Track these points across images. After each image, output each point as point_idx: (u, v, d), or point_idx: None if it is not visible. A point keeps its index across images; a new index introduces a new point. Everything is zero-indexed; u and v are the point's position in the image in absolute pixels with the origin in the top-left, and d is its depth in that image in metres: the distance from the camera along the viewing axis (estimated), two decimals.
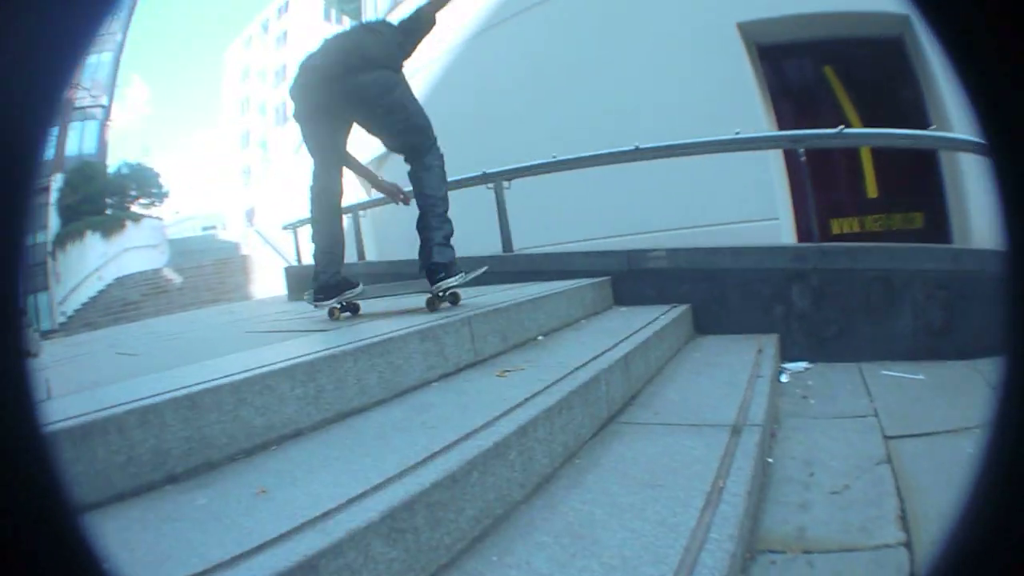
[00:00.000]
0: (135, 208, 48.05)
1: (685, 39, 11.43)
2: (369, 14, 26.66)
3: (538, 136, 13.32)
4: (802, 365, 6.19)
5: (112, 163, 52.91)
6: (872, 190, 10.93)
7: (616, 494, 2.94)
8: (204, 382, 3.16)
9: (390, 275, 10.84)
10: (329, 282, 6.10)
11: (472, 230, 12.96)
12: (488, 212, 10.46)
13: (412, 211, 13.60)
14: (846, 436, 4.24)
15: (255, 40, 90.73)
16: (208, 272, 37.70)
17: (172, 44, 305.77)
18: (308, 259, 17.04)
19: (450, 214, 5.97)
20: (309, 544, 2.09)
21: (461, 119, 15.36)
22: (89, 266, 40.01)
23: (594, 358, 4.41)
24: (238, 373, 3.29)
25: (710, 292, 7.13)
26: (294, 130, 19.69)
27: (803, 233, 10.10)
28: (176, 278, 36.35)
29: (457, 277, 5.48)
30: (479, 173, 9.97)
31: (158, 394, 2.99)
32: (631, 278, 7.54)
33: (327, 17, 71.49)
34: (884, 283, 6.44)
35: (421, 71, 17.43)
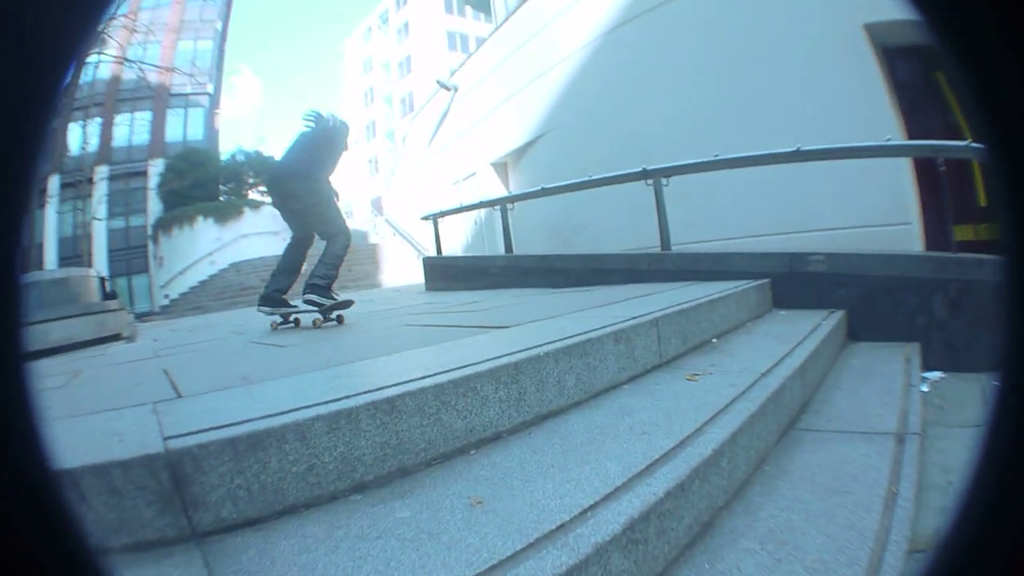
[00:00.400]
0: (253, 195, 47.56)
1: (813, 40, 11.47)
2: (498, 4, 26.96)
3: (676, 130, 13.57)
4: (938, 375, 6.17)
5: (225, 151, 53.36)
6: (984, 198, 10.83)
7: (808, 501, 2.99)
8: (402, 383, 3.07)
9: (541, 269, 11.14)
10: (272, 296, 8.35)
11: (623, 224, 13.24)
12: (635, 208, 10.72)
13: (549, 206, 13.77)
14: (974, 444, 4.34)
15: (375, 31, 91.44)
16: None
17: (283, 37, 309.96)
18: (448, 249, 17.22)
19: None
20: (555, 562, 1.99)
21: (604, 111, 16.14)
22: (200, 251, 40.48)
23: (775, 364, 4.47)
24: (439, 374, 3.21)
25: (863, 299, 7.13)
26: (423, 123, 20.24)
27: (931, 240, 10.03)
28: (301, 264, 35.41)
29: (322, 298, 8.07)
30: (639, 170, 10.08)
31: (348, 396, 2.90)
32: (790, 281, 7.56)
33: (449, 9, 71.94)
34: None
35: (562, 63, 17.98)
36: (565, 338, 3.99)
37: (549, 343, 3.86)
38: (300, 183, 8.11)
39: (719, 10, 13.14)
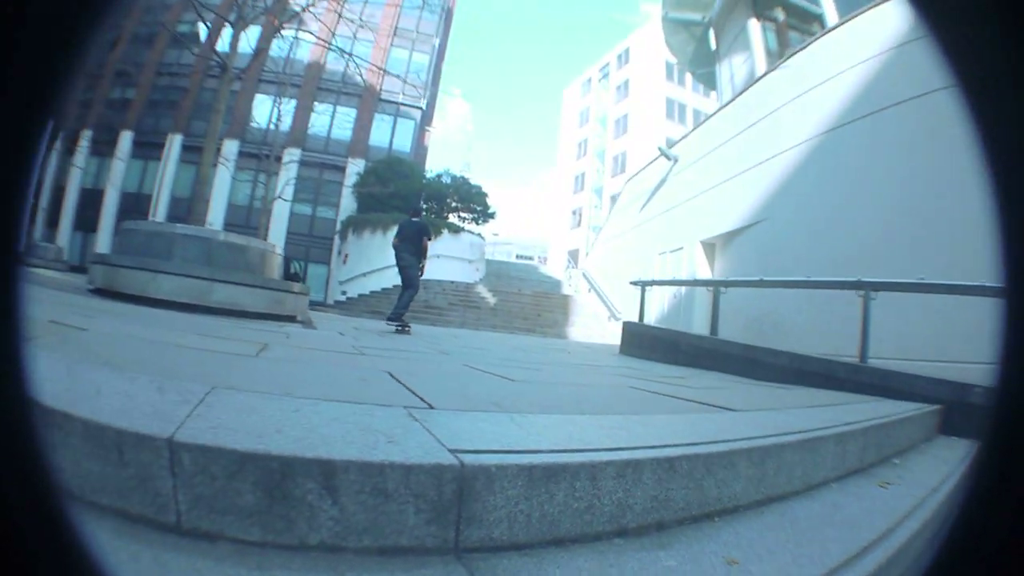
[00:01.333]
0: (453, 219, 47.21)
1: None
2: (724, 82, 28.46)
3: (874, 239, 14.01)
4: None
5: (430, 170, 53.42)
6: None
7: None
8: (681, 445, 3.48)
9: (743, 358, 11.54)
10: (392, 317, 16.12)
11: (816, 327, 14.05)
12: (829, 311, 12.01)
13: (747, 296, 14.80)
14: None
15: (595, 84, 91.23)
16: (526, 301, 36.75)
17: (501, 69, 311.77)
18: (649, 318, 18.26)
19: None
20: None
21: (815, 209, 16.65)
22: (389, 259, 37.88)
23: (942, 482, 4.97)
24: (708, 443, 3.67)
25: None
26: (636, 187, 22.19)
27: None
28: (490, 298, 35.51)
29: (397, 324, 15.80)
30: (853, 279, 10.61)
31: (634, 448, 3.24)
32: (954, 409, 7.69)
33: (670, 77, 71.50)
34: None
35: (781, 155, 18.46)
36: (799, 432, 4.55)
37: (788, 434, 4.38)
38: (407, 255, 16.14)
39: (926, 127, 13.16)
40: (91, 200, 50.84)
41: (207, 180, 20.22)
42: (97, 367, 3.82)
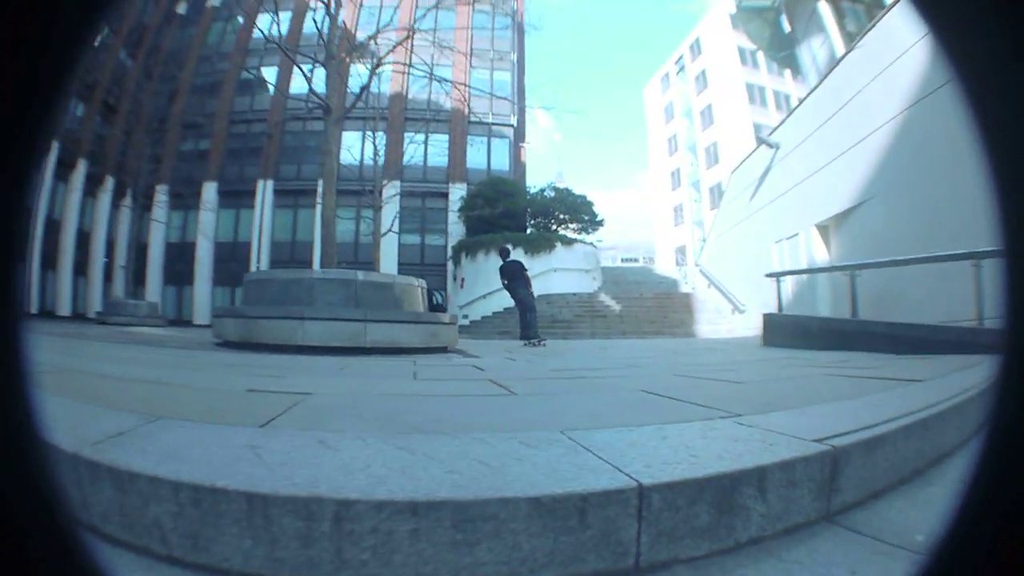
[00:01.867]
0: (562, 231, 46.64)
1: None
2: (807, 64, 29.78)
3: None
4: None
5: (532, 185, 52.82)
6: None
7: None
8: (920, 410, 4.19)
9: (884, 336, 12.46)
10: (527, 334, 19.49)
11: (928, 297, 14.50)
12: (941, 279, 12.50)
13: (876, 277, 15.77)
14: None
15: (673, 79, 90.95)
16: (649, 304, 35.58)
17: (578, 75, 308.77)
18: (763, 304, 20.04)
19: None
20: None
21: (920, 180, 17.08)
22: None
23: None
24: (933, 406, 4.39)
25: None
26: (741, 179, 24.21)
27: None
28: (614, 305, 35.34)
29: (529, 343, 18.99)
30: (966, 251, 11.08)
31: (900, 416, 3.95)
32: None
33: (744, 61, 71.33)
34: None
35: (879, 131, 18.95)
36: (971, 389, 5.22)
37: (964, 392, 5.07)
38: (519, 288, 20.07)
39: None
40: (180, 254, 52.34)
41: (332, 222, 20.36)
42: (435, 437, 3.65)
